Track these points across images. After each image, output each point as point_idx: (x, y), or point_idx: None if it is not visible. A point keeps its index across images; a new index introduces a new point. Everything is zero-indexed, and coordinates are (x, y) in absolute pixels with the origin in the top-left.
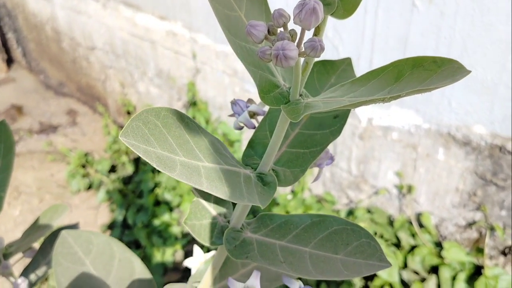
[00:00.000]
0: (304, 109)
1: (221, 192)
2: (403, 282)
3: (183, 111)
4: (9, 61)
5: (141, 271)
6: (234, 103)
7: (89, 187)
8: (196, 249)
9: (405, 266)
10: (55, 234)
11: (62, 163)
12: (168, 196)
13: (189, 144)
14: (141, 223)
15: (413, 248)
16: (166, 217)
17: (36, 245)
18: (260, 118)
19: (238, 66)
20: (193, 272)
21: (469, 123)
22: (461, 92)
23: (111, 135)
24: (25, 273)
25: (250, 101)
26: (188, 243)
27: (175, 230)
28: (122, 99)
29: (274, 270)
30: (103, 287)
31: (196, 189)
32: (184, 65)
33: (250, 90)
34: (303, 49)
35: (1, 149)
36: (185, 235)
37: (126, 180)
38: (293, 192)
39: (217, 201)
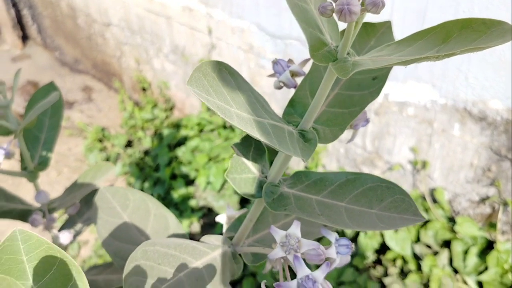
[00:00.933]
0: (352, 67)
1: (272, 142)
2: (415, 256)
3: None
4: (24, 38)
5: (175, 226)
6: (275, 62)
7: (106, 160)
8: (228, 207)
9: (417, 240)
10: (97, 191)
11: (79, 137)
12: (184, 170)
13: (240, 98)
14: (158, 196)
15: (425, 222)
16: (182, 190)
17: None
18: (299, 80)
19: (254, 42)
20: (224, 228)
21: (485, 98)
22: (478, 67)
23: (127, 110)
24: (64, 227)
25: (290, 61)
26: (204, 216)
27: (192, 202)
28: (137, 75)
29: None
30: (141, 237)
31: (235, 146)
32: (200, 41)
33: (265, 66)
34: (365, 5)
35: (49, 110)
36: (201, 208)
37: (143, 154)
38: (306, 168)
39: (255, 158)
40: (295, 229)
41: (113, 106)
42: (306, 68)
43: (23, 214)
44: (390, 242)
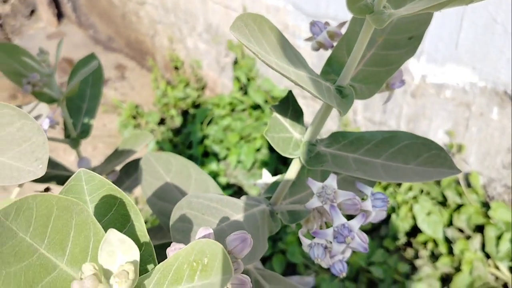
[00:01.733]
0: (388, 17)
1: (313, 91)
2: (447, 240)
3: (230, 67)
4: (59, 16)
5: (215, 190)
6: (313, 24)
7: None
8: (264, 172)
9: (450, 224)
10: (135, 161)
11: (113, 114)
12: (216, 148)
13: (279, 51)
14: None
15: (459, 207)
16: (214, 167)
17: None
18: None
19: (289, 21)
20: (262, 191)
21: None
22: None
23: (159, 89)
24: None
25: (327, 23)
26: (234, 193)
27: (222, 180)
28: (170, 54)
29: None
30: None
31: (274, 107)
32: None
33: (300, 45)
34: None
35: (89, 80)
36: (231, 185)
37: (176, 132)
38: None
39: (292, 119)
40: (332, 180)
41: (145, 85)
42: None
43: (66, 180)
44: (422, 225)
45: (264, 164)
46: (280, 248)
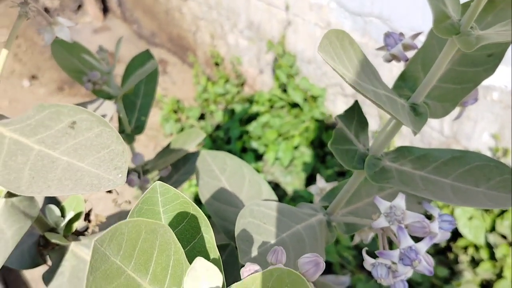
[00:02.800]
0: (477, 40)
1: (390, 110)
2: (488, 245)
3: (271, 65)
4: (105, 11)
5: (268, 193)
6: (388, 35)
7: (181, 130)
8: (319, 177)
9: (492, 229)
10: (187, 156)
11: (155, 108)
12: (254, 144)
13: (357, 68)
14: None
15: (502, 212)
16: (252, 164)
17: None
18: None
19: (331, 19)
20: (316, 198)
21: None
22: None
23: (200, 84)
24: None
25: (401, 34)
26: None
27: None
28: (211, 50)
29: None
30: (236, 201)
31: (339, 117)
32: (275, 17)
33: None
34: None
35: (144, 77)
36: (269, 182)
37: (215, 127)
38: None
39: (357, 131)
40: (400, 200)
41: (186, 80)
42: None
43: None
44: (463, 230)
45: (303, 162)
46: None
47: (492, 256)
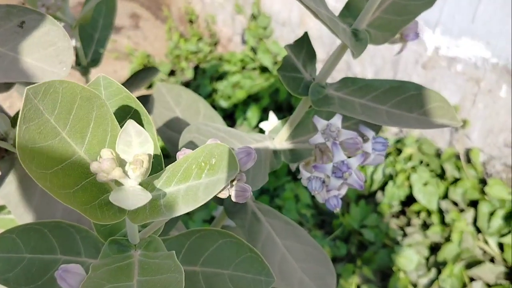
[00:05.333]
0: None
1: (330, 26)
2: (440, 211)
3: (245, 24)
4: None
5: None
6: None
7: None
8: (271, 114)
9: (445, 197)
10: (146, 98)
11: (125, 61)
12: (223, 103)
13: None
14: None
15: (456, 180)
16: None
17: None
18: None
19: None
20: (266, 133)
21: None
22: None
23: (172, 40)
24: None
25: None
26: None
27: None
28: (186, 7)
29: None
30: None
31: (288, 46)
32: None
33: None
34: None
35: (103, 10)
36: None
37: (185, 84)
38: None
39: (305, 61)
40: (337, 120)
41: (159, 36)
42: None
43: None
44: (417, 194)
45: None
46: (277, 204)
47: (442, 222)
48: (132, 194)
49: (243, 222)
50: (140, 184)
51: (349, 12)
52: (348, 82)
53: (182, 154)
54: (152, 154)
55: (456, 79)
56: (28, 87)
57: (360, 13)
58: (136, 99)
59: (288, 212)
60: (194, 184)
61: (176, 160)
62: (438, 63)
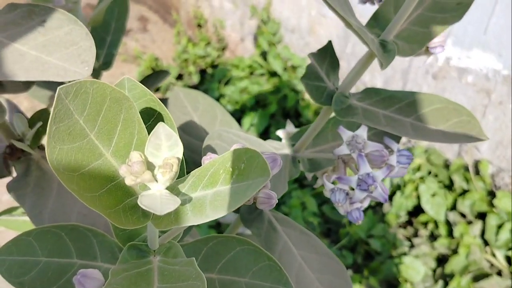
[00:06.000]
0: None
1: (360, 36)
2: (448, 223)
3: (254, 29)
4: None
5: None
6: None
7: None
8: (288, 122)
9: (453, 208)
10: (162, 100)
11: (133, 64)
12: (231, 109)
13: None
14: None
15: (464, 192)
16: None
17: None
18: None
19: None
20: (283, 141)
21: None
22: None
23: (181, 44)
24: None
25: None
26: None
27: None
28: (195, 11)
29: None
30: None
31: (312, 55)
32: None
33: (326, 14)
34: None
35: (115, 12)
36: None
37: (192, 88)
38: None
39: (328, 70)
40: (363, 131)
41: (166, 39)
42: None
43: None
44: (425, 205)
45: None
46: (283, 211)
47: (450, 233)
48: (160, 198)
49: (260, 231)
50: (167, 189)
51: (376, 22)
52: (371, 93)
53: (208, 159)
54: (181, 158)
55: (466, 90)
56: (60, 86)
57: (388, 24)
58: (160, 102)
59: (294, 220)
60: (222, 189)
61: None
62: (449, 74)
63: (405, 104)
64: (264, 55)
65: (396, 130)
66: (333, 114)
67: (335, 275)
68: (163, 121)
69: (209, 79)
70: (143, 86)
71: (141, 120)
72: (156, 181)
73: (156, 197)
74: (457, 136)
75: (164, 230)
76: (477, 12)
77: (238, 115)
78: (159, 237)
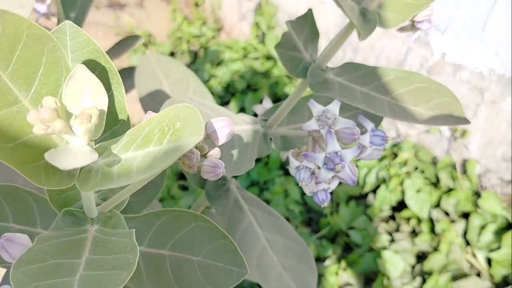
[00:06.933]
0: None
1: (340, 2)
2: (430, 220)
3: (252, 13)
4: None
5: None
6: None
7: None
8: (266, 98)
9: (437, 206)
10: (129, 69)
11: None
12: (221, 91)
13: None
14: None
15: (450, 190)
16: None
17: None
18: None
19: None
20: (258, 117)
21: None
22: None
23: (176, 22)
24: None
25: None
26: None
27: None
28: None
29: None
30: None
31: (290, 22)
32: None
33: (325, 1)
34: None
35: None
36: None
37: None
38: None
39: (306, 41)
40: (334, 106)
41: (162, 16)
42: None
43: None
44: (409, 201)
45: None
46: (265, 197)
47: (432, 230)
48: (74, 153)
49: (224, 208)
50: (96, 149)
51: None
52: (350, 68)
53: (147, 118)
54: (106, 110)
55: (460, 87)
56: None
57: None
58: (106, 54)
59: (276, 207)
60: (153, 150)
61: None
62: (444, 69)
63: (385, 82)
64: (260, 38)
65: (372, 108)
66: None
67: (300, 260)
68: (107, 76)
69: (202, 59)
70: (86, 33)
71: (70, 66)
72: (74, 133)
73: (69, 151)
74: (436, 118)
75: (105, 197)
76: (477, 7)
77: (228, 97)
78: (99, 205)
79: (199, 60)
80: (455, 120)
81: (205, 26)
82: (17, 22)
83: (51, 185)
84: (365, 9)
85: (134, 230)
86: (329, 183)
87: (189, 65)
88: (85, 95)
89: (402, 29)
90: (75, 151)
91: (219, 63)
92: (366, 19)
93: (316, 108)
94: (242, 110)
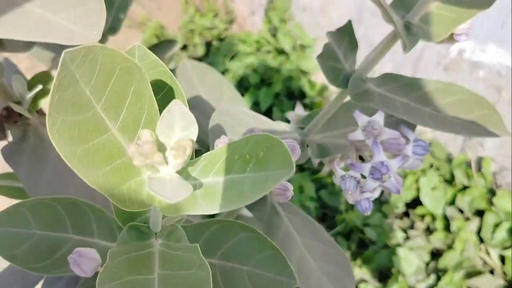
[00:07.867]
0: None
1: (387, 14)
2: (445, 218)
3: (263, 8)
4: None
5: None
6: None
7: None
8: (298, 105)
9: (452, 203)
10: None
11: (137, 31)
12: (233, 84)
13: None
14: None
15: (464, 188)
16: None
17: None
18: None
19: None
20: (291, 124)
21: None
22: None
23: (188, 14)
24: None
25: None
26: None
27: None
28: None
29: None
30: (211, 113)
31: (330, 34)
32: None
33: None
34: None
35: None
36: None
37: (197, 60)
38: None
39: (346, 52)
40: (379, 117)
41: (174, 8)
42: None
43: None
44: (424, 198)
45: (280, 110)
46: None
47: (447, 228)
48: (171, 184)
49: (262, 214)
50: (177, 172)
51: (401, 3)
52: (389, 78)
53: (222, 143)
54: (195, 140)
55: (476, 85)
56: (66, 50)
57: (413, 6)
58: (172, 74)
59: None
60: (237, 177)
61: (203, 143)
62: (460, 67)
63: (425, 92)
64: (272, 31)
65: (414, 119)
66: (346, 99)
67: (338, 266)
68: (173, 95)
69: (215, 52)
70: (154, 55)
71: (153, 94)
72: (167, 163)
73: (165, 181)
74: (477, 129)
75: None
76: (495, 5)
77: (241, 92)
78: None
79: (212, 53)
80: (496, 133)
81: (217, 18)
82: (113, 56)
83: (133, 207)
84: (409, 22)
85: (198, 245)
86: (373, 192)
87: (202, 58)
88: (177, 127)
89: (440, 41)
90: (169, 181)
91: (232, 57)
92: (410, 32)
93: (362, 119)
94: (255, 104)
